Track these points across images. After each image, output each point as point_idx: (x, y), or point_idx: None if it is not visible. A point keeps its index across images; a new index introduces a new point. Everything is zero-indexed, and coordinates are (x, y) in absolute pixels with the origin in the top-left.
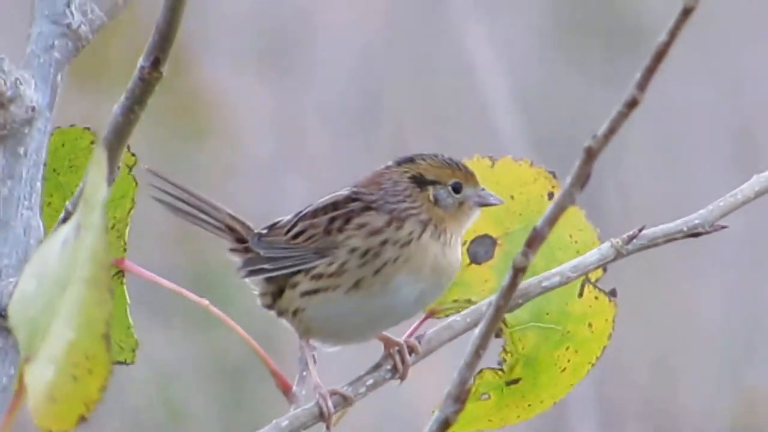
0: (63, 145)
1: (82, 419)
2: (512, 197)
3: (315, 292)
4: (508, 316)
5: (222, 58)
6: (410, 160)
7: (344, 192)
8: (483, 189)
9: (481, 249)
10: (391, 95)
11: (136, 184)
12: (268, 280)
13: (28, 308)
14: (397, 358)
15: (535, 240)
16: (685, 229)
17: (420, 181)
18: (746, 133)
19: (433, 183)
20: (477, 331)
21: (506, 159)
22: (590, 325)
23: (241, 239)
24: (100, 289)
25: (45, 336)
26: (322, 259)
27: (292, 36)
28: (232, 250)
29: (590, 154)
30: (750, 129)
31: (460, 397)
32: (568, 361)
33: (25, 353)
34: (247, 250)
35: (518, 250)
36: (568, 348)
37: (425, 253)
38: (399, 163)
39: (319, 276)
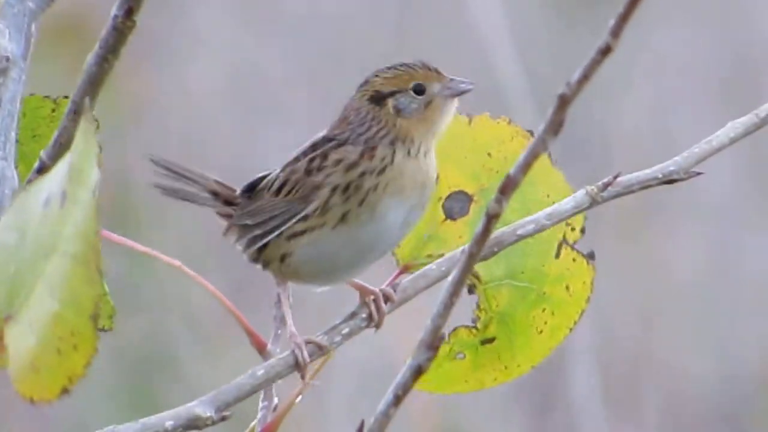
0: (24, 114)
1: (65, 392)
2: (489, 154)
3: (302, 233)
4: (482, 272)
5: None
6: (365, 81)
7: (321, 134)
8: (452, 80)
9: (456, 205)
10: (381, 44)
11: (101, 148)
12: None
13: (9, 262)
14: (373, 306)
15: (508, 186)
16: (660, 175)
17: (379, 98)
18: (736, 81)
19: (393, 94)
20: (450, 278)
21: (483, 116)
22: (567, 287)
23: (228, 202)
24: (90, 268)
25: (28, 297)
26: (306, 205)
27: None
28: (220, 213)
29: (564, 101)
30: (740, 77)
31: (432, 344)
32: (545, 323)
33: (5, 311)
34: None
35: None
36: (544, 309)
37: (402, 175)
38: (358, 89)
39: (305, 218)
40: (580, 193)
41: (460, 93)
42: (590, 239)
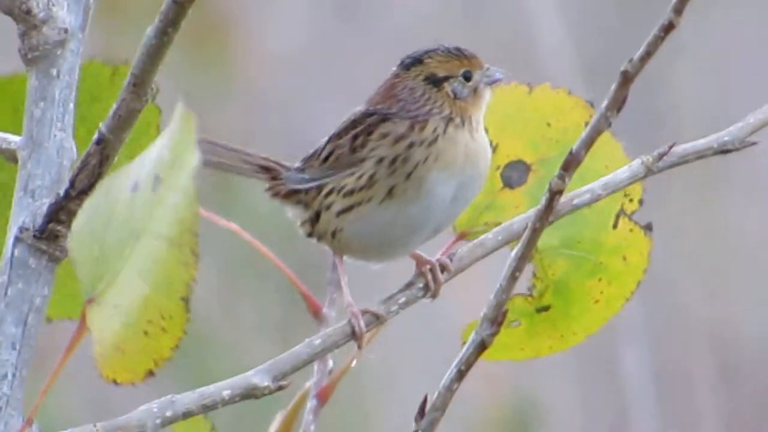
0: (84, 79)
1: (150, 374)
2: (549, 124)
3: (349, 209)
4: (538, 241)
5: None
6: (418, 61)
7: (360, 108)
8: (488, 68)
9: (514, 174)
10: (430, 20)
11: (160, 111)
12: (305, 206)
13: (93, 246)
14: (429, 276)
15: (571, 163)
16: (715, 145)
17: (435, 81)
18: None
19: (447, 78)
20: (513, 253)
21: (544, 86)
22: (624, 258)
23: (276, 177)
24: (185, 251)
25: (113, 280)
26: (350, 174)
27: None
28: (268, 188)
29: (626, 78)
30: None
31: (496, 320)
32: (601, 292)
33: (87, 293)
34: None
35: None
36: (601, 279)
37: (455, 146)
38: (408, 67)
39: (351, 192)
40: (636, 163)
41: (496, 81)
42: (654, 207)
